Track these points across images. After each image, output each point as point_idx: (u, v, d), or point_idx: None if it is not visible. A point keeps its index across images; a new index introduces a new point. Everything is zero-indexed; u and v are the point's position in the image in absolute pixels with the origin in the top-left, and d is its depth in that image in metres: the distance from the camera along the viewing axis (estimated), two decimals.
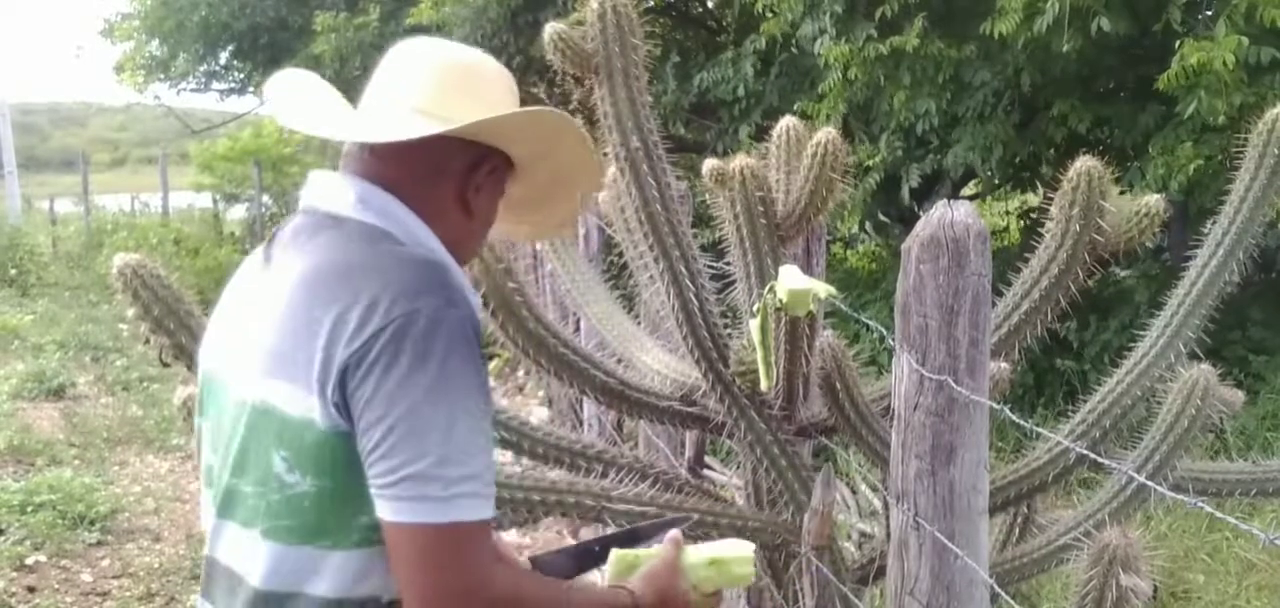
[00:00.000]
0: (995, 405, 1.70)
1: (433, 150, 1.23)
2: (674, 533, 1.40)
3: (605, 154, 2.35)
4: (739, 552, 1.41)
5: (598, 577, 1.43)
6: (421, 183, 1.24)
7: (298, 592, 1.17)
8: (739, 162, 2.22)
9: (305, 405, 1.11)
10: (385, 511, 1.09)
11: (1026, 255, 2.10)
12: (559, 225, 1.52)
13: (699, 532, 2.39)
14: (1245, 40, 4.89)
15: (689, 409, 2.48)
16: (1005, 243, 8.71)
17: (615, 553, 1.39)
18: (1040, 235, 2.08)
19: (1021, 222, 9.48)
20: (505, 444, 2.39)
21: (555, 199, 1.42)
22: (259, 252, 1.29)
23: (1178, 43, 5.07)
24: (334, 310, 1.11)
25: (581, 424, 5.26)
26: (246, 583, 1.20)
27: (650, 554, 1.39)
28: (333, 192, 1.23)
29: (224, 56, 13.69)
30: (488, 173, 1.28)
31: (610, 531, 1.61)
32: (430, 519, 1.08)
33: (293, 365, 1.12)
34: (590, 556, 1.47)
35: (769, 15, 6.84)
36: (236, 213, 19.55)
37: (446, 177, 1.25)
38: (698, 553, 1.40)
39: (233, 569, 1.22)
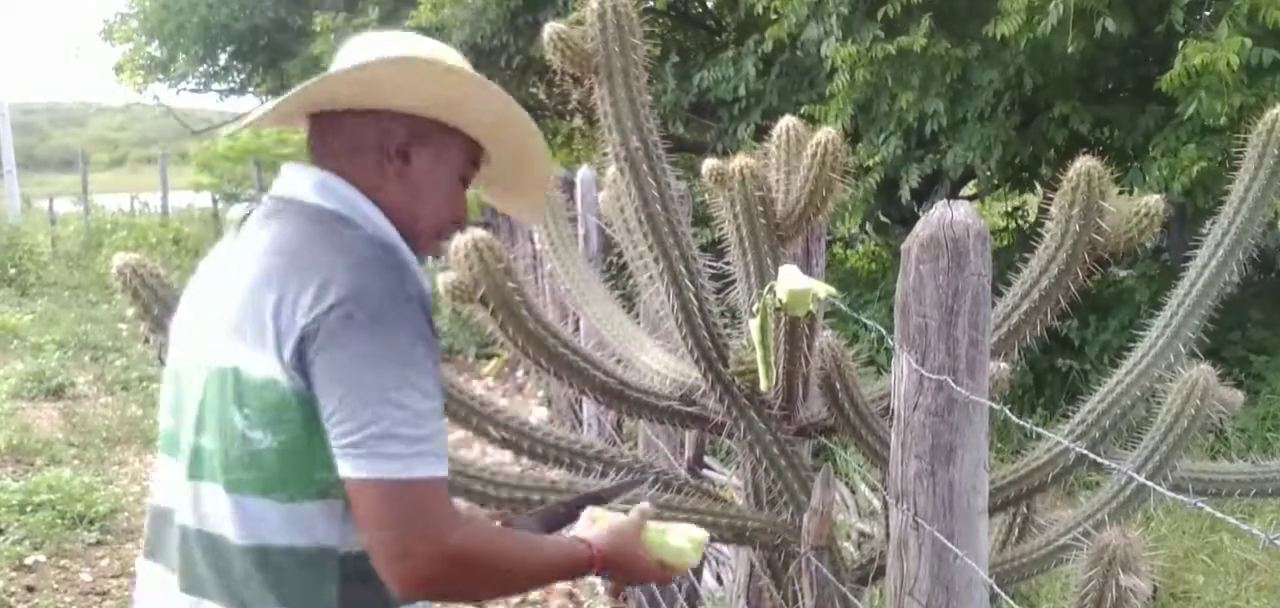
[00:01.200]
0: (995, 405, 1.70)
1: (356, 128, 1.32)
2: (644, 505, 1.48)
3: (605, 154, 2.35)
4: (696, 535, 1.50)
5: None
6: (355, 160, 1.32)
7: (266, 544, 1.23)
8: (738, 161, 2.22)
9: (267, 367, 1.19)
10: (348, 469, 1.17)
11: (1019, 256, 2.10)
12: (531, 198, 1.55)
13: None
14: (1248, 41, 4.88)
15: (688, 409, 2.48)
16: (1004, 243, 8.70)
17: (590, 511, 1.48)
18: (1034, 236, 2.08)
19: (1013, 222, 9.47)
20: (505, 444, 2.39)
21: (521, 176, 1.48)
22: (229, 235, 1.38)
23: (1181, 43, 5.06)
24: (293, 283, 1.19)
25: (581, 424, 5.26)
26: (227, 543, 1.24)
27: (617, 516, 1.46)
28: (295, 179, 1.33)
29: (223, 57, 13.68)
30: (407, 140, 1.33)
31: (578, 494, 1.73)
32: (393, 476, 1.16)
33: (255, 331, 1.20)
34: (556, 518, 1.55)
35: (773, 17, 6.83)
36: (236, 212, 19.57)
37: (368, 150, 1.32)
38: (659, 529, 1.47)
39: (210, 532, 1.26)
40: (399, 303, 1.20)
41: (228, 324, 1.24)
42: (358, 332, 1.17)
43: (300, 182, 1.32)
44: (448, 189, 1.37)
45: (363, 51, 1.33)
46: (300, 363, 1.17)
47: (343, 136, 1.33)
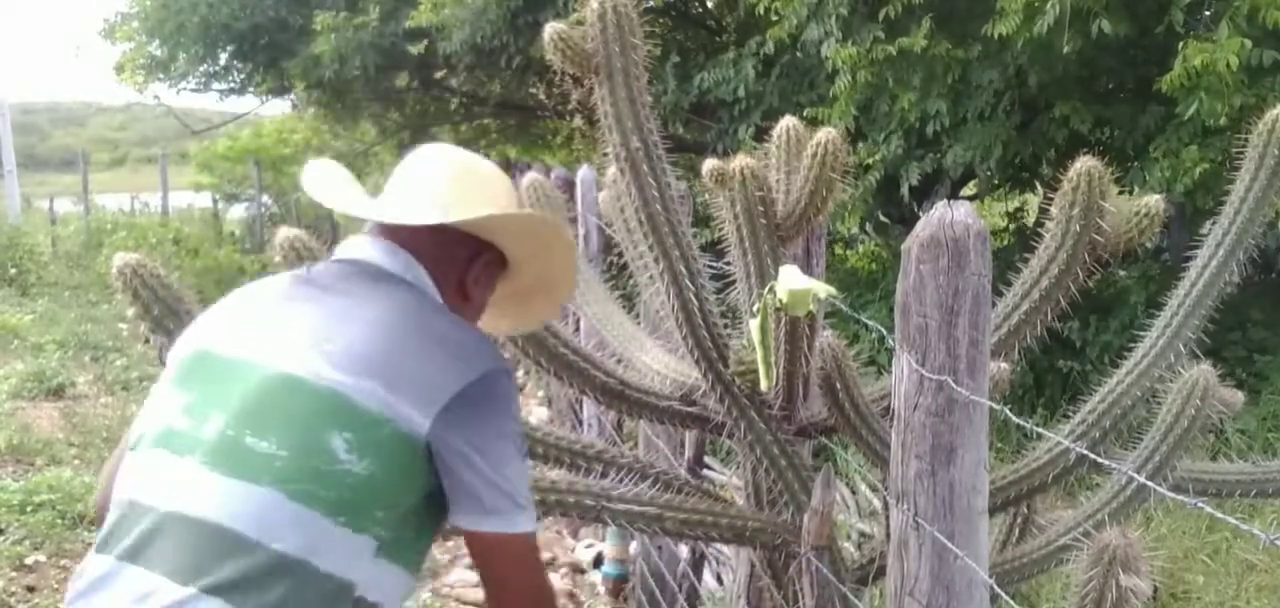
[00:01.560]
0: (995, 406, 1.70)
1: (444, 239, 1.48)
2: None
3: (605, 154, 2.35)
4: None
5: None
6: (444, 267, 1.49)
7: (308, 561, 1.25)
8: (739, 161, 2.22)
9: (384, 408, 1.30)
10: (492, 524, 1.36)
11: (1019, 256, 2.10)
12: (536, 321, 1.79)
13: (700, 532, 2.39)
14: (1248, 42, 4.88)
15: (689, 409, 2.48)
16: (1004, 243, 8.69)
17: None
18: (1034, 236, 2.08)
19: (1013, 222, 9.47)
20: None
21: (536, 298, 1.67)
22: (293, 274, 1.49)
23: (1181, 44, 5.06)
24: (432, 350, 1.36)
25: (581, 424, 5.26)
26: (260, 545, 1.23)
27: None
28: (384, 257, 1.45)
29: (224, 57, 13.64)
30: (484, 265, 1.53)
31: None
32: (526, 529, 1.38)
33: (376, 372, 1.31)
34: None
35: (773, 18, 6.83)
36: (236, 212, 19.60)
37: (454, 263, 1.50)
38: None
39: (238, 532, 1.24)
40: (513, 381, 1.41)
41: (323, 352, 1.32)
42: (497, 404, 1.37)
43: (392, 261, 1.45)
44: (486, 303, 1.59)
45: (446, 170, 1.54)
46: (442, 421, 1.31)
47: (440, 244, 1.48)
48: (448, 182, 1.52)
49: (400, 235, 1.47)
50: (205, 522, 1.24)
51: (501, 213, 1.50)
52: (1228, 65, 4.83)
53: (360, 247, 1.47)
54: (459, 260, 1.50)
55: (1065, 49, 5.34)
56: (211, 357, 1.38)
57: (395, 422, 1.29)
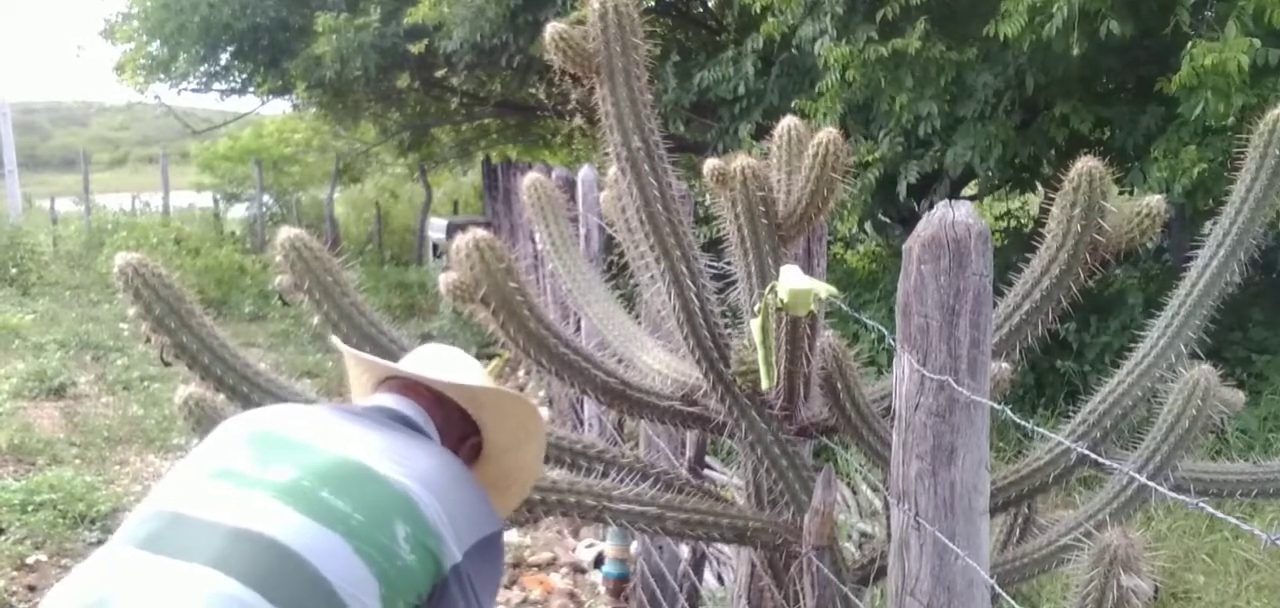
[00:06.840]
0: (996, 406, 1.70)
1: (449, 413, 1.71)
2: None
3: (606, 154, 2.35)
4: None
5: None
6: (443, 433, 1.70)
7: (346, 600, 1.37)
8: (740, 161, 2.22)
9: (442, 525, 1.49)
10: None
11: (1019, 256, 2.10)
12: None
13: (701, 532, 2.39)
14: (1257, 42, 4.87)
15: (690, 409, 2.48)
16: (1004, 243, 8.68)
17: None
18: (1034, 236, 2.08)
19: (1013, 222, 9.46)
20: None
21: (491, 495, 1.81)
22: (333, 405, 1.73)
23: (1190, 43, 5.04)
24: (475, 498, 1.59)
25: (582, 424, 5.26)
26: (315, 571, 1.35)
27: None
28: (414, 411, 1.67)
29: (225, 57, 13.62)
30: (469, 446, 1.75)
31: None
32: None
33: (440, 497, 1.50)
34: None
35: (769, 17, 6.83)
36: (237, 212, 19.58)
37: (451, 435, 1.71)
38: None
39: (292, 550, 1.35)
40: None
41: (394, 462, 1.50)
42: (501, 555, 1.62)
43: (420, 418, 1.67)
44: None
45: (451, 369, 1.76)
46: (468, 556, 1.50)
47: (446, 417, 1.71)
48: (459, 363, 1.80)
49: (422, 400, 1.70)
50: (277, 543, 1.35)
51: (511, 393, 1.78)
52: (1238, 66, 4.82)
53: (392, 400, 1.68)
54: (454, 435, 1.72)
55: (1073, 52, 5.32)
56: (277, 435, 1.52)
57: (442, 539, 1.48)
